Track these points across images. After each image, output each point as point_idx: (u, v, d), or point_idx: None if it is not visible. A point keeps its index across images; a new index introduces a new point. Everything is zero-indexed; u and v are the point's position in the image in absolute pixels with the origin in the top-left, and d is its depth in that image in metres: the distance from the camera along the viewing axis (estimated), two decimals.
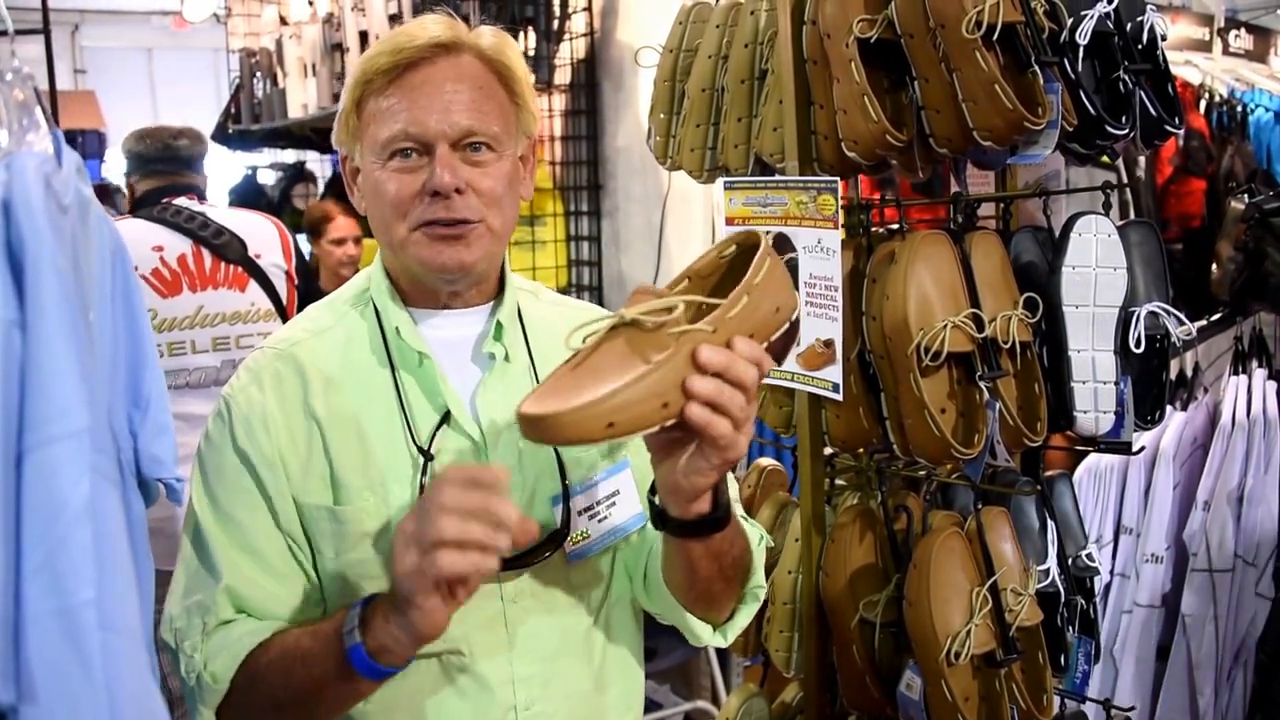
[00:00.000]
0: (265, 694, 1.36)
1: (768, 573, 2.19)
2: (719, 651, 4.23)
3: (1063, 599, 2.14)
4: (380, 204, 1.44)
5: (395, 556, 1.23)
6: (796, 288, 2.02)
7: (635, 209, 4.17)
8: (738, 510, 1.64)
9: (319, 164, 6.93)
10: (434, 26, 1.44)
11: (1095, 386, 1.99)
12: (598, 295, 4.32)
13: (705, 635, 1.59)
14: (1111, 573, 3.10)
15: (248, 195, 6.80)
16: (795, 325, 1.33)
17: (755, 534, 1.62)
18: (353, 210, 5.25)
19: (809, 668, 2.17)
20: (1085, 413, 1.99)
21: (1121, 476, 3.09)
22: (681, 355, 1.20)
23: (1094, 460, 3.12)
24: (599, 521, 1.50)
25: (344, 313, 1.54)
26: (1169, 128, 2.05)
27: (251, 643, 1.37)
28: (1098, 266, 2.00)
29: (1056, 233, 2.04)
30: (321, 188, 6.63)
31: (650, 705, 4.30)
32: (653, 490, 1.38)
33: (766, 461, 2.42)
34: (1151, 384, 2.10)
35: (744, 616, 1.60)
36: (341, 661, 1.28)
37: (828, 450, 2.18)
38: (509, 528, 1.20)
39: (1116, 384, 2.00)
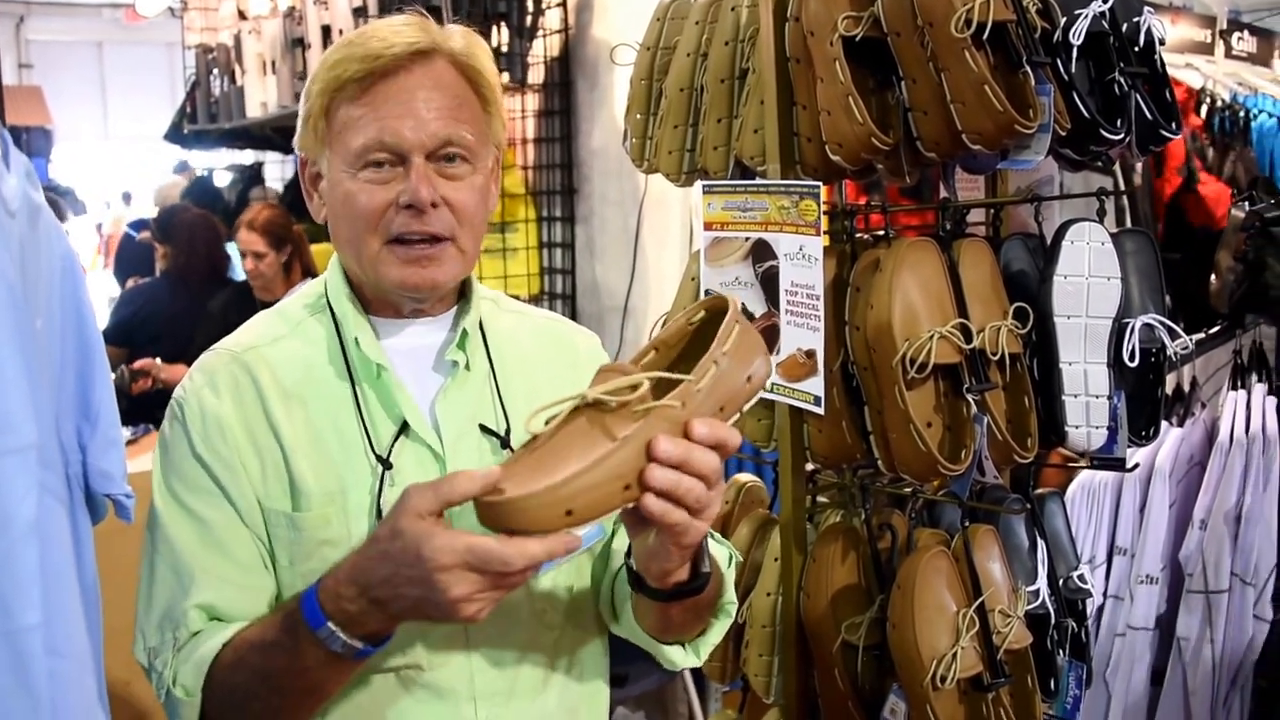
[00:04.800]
0: (234, 694, 1.37)
1: (747, 593, 2.21)
2: (696, 677, 4.22)
3: (1053, 621, 2.16)
4: (350, 215, 1.46)
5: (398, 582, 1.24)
6: (776, 297, 2.04)
7: (611, 214, 4.18)
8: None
9: (279, 165, 6.93)
10: (408, 31, 1.45)
11: (1087, 401, 2.01)
12: (571, 304, 4.33)
13: (677, 657, 1.60)
14: (1105, 594, 3.12)
15: (203, 197, 6.80)
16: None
17: (724, 553, 1.64)
18: (293, 215, 5.14)
19: (789, 692, 2.18)
20: (1077, 428, 2.00)
21: (1115, 495, 3.11)
22: (644, 436, 1.20)
23: (1087, 478, 3.14)
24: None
25: (300, 320, 1.55)
26: (1165, 132, 2.07)
27: (216, 646, 1.38)
28: (1091, 276, 2.01)
29: (1048, 241, 2.06)
30: (281, 190, 6.63)
31: None
32: (629, 553, 1.41)
33: (745, 477, 2.43)
34: (1146, 399, 2.12)
35: (715, 633, 1.61)
36: (306, 641, 1.29)
37: (809, 466, 2.19)
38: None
39: (1110, 398, 2.02)
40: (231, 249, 5.68)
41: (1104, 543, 3.12)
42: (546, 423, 1.22)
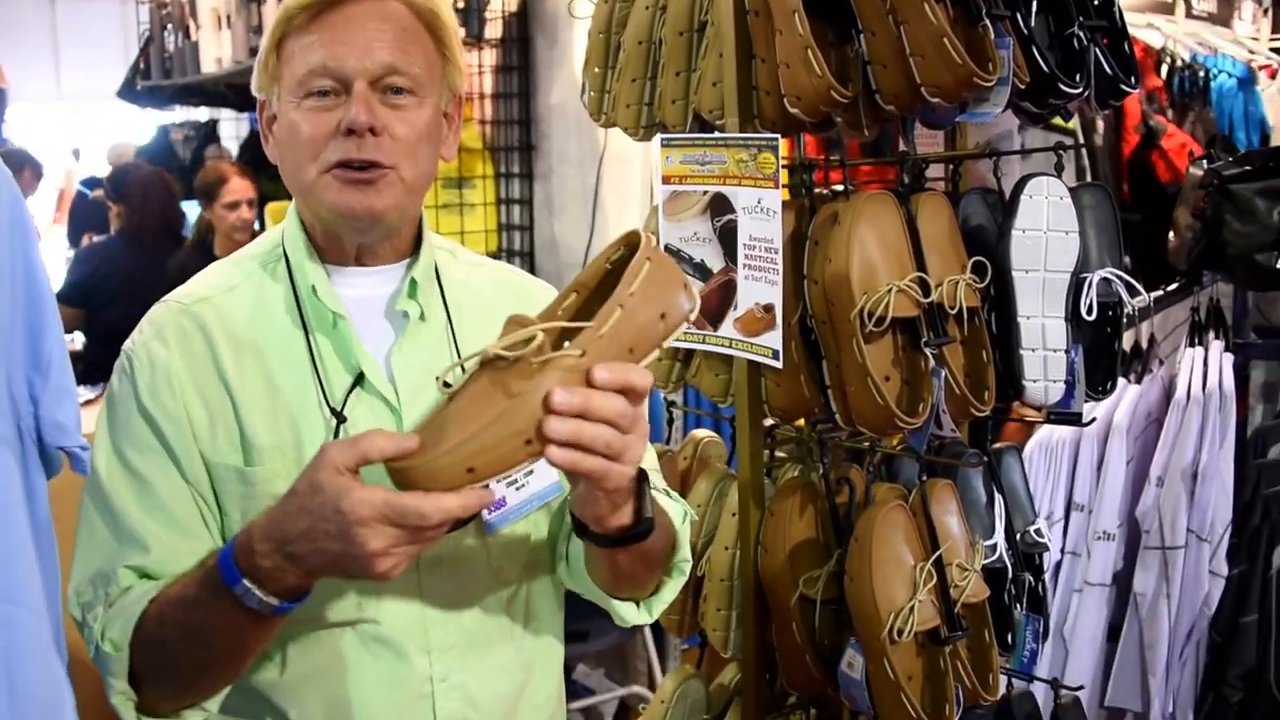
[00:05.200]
0: (160, 651, 1.36)
1: (704, 549, 2.21)
2: (655, 635, 4.24)
3: (1010, 575, 2.17)
4: (293, 144, 1.44)
5: (311, 534, 1.23)
6: (734, 251, 2.03)
7: (570, 171, 4.16)
8: (659, 484, 1.66)
9: (234, 122, 6.85)
10: None
11: (1045, 355, 2.01)
12: (529, 261, 4.31)
13: (629, 614, 1.60)
14: (1062, 551, 3.14)
15: (158, 155, 6.72)
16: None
17: (679, 509, 1.64)
18: (249, 173, 5.21)
19: (747, 647, 2.19)
20: (1034, 382, 2.01)
21: (1073, 452, 3.13)
22: (543, 388, 1.18)
23: (1045, 435, 3.16)
24: (517, 489, 1.50)
25: (252, 270, 1.53)
26: (1125, 86, 2.07)
27: (143, 603, 1.37)
28: (1049, 230, 2.02)
29: (1007, 196, 2.06)
30: (236, 150, 6.56)
31: (584, 691, 4.32)
32: None
33: (703, 433, 2.43)
34: (1104, 353, 2.13)
35: (669, 591, 1.61)
36: (224, 598, 1.29)
37: (768, 421, 2.19)
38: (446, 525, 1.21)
39: (1067, 352, 2.03)
40: (187, 207, 5.63)
41: (1062, 499, 3.14)
42: (448, 385, 1.22)
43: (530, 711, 1.62)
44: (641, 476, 1.35)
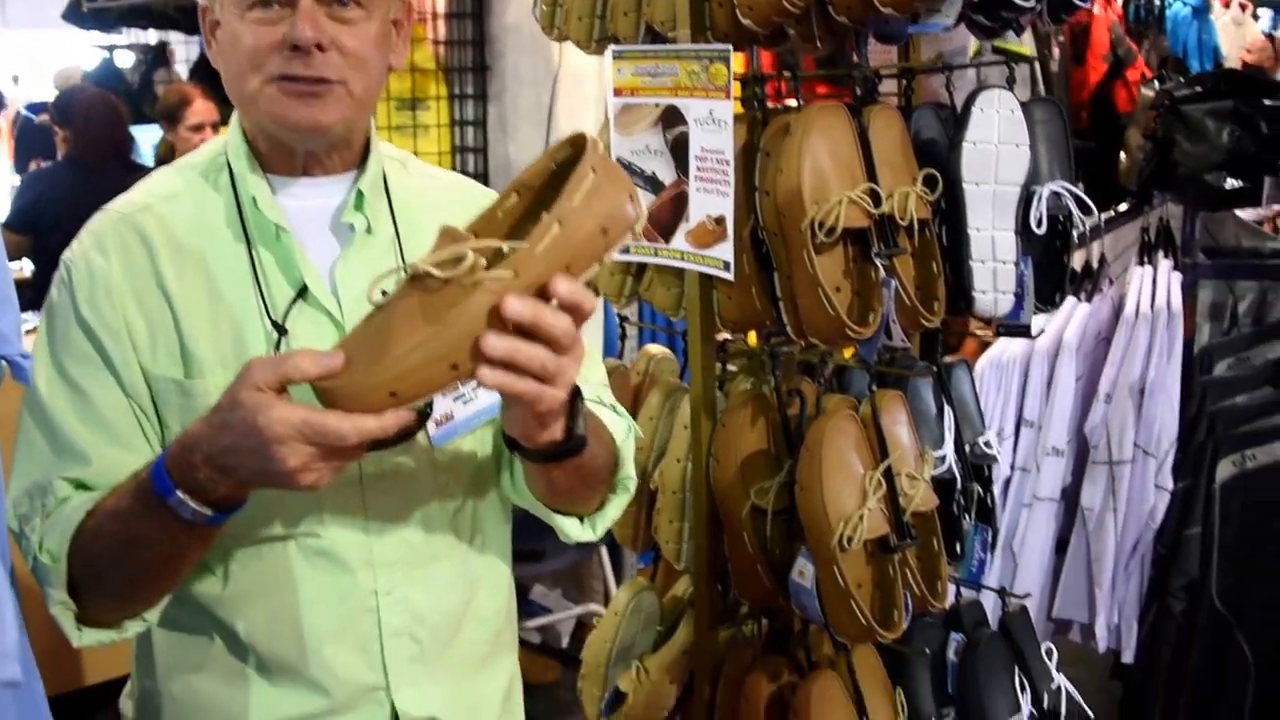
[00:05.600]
0: (97, 562, 1.35)
1: (656, 462, 2.22)
2: (612, 554, 4.28)
3: (959, 486, 2.20)
4: (235, 55, 1.40)
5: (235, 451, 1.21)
6: (686, 164, 2.02)
7: (524, 91, 4.13)
8: (607, 399, 1.66)
9: (183, 45, 6.73)
10: None
11: (995, 266, 2.03)
12: (484, 183, 4.24)
13: (573, 530, 1.59)
14: (1012, 467, 3.18)
15: (105, 80, 6.61)
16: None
17: (623, 424, 1.62)
18: (212, 94, 5.13)
19: (699, 558, 2.21)
20: (984, 293, 2.02)
21: (1024, 370, 3.16)
22: (472, 311, 1.13)
23: (997, 353, 3.18)
24: (464, 403, 1.50)
25: (194, 180, 1.50)
26: (1078, 2, 2.07)
27: (80, 514, 1.36)
28: (1000, 143, 2.02)
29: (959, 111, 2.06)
30: (186, 73, 6.45)
31: (540, 610, 4.36)
32: None
33: (656, 349, 2.43)
34: (1053, 266, 2.14)
35: (614, 508, 1.60)
36: (158, 509, 1.27)
37: (721, 336, 2.20)
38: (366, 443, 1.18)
39: (1016, 265, 2.04)
40: (138, 132, 5.55)
41: (1012, 416, 3.17)
42: (385, 293, 1.18)
43: (477, 625, 1.62)
44: (575, 393, 1.31)
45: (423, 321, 1.13)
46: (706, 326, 2.13)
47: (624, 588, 2.38)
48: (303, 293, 1.44)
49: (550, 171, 1.25)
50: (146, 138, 5.73)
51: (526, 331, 1.15)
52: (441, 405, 1.48)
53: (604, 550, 4.23)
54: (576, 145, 1.22)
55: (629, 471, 1.59)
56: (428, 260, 1.14)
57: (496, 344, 1.13)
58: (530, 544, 3.92)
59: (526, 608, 4.45)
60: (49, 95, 8.16)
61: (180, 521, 1.27)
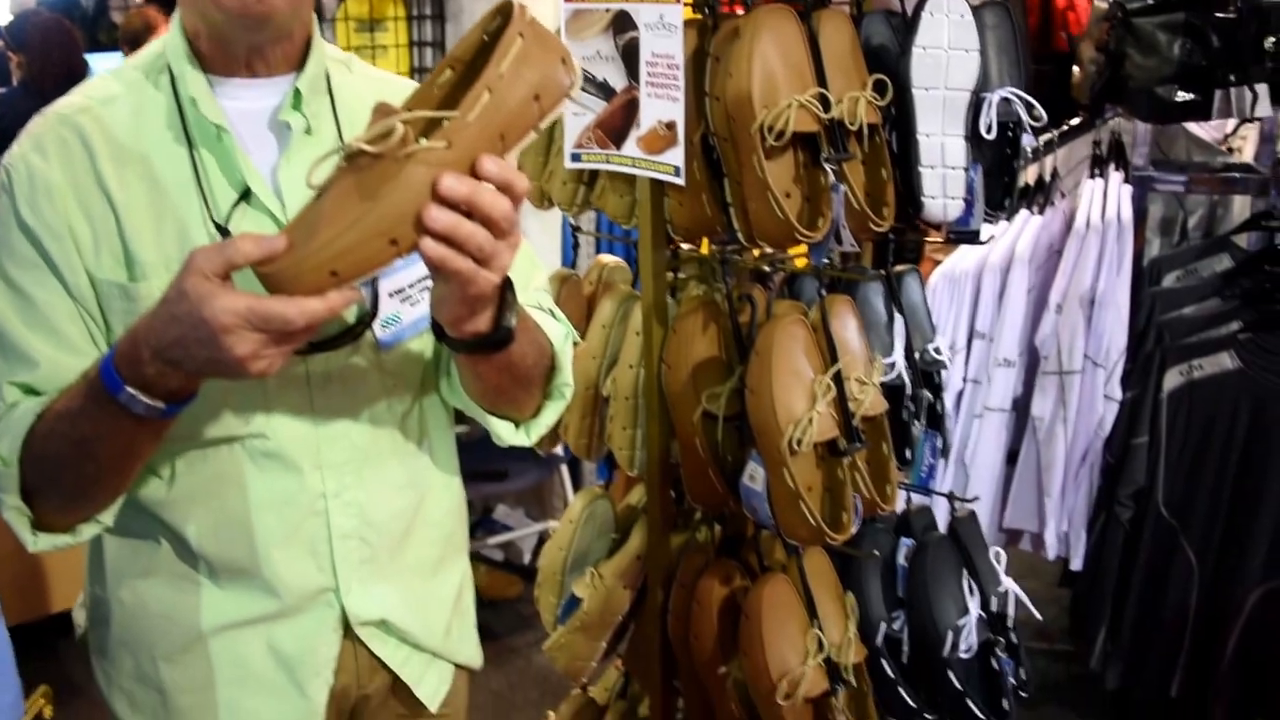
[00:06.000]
0: (49, 464, 1.35)
1: (609, 369, 2.23)
2: (572, 472, 4.31)
3: (909, 393, 2.21)
4: None
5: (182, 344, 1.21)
6: (636, 70, 2.01)
7: (481, 10, 4.04)
8: (546, 304, 1.66)
9: None
10: None
11: (944, 172, 2.03)
12: None
13: (507, 434, 1.60)
14: (964, 379, 3.21)
15: (60, 5, 6.49)
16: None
17: (562, 330, 1.63)
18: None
19: (651, 464, 2.22)
20: (933, 199, 2.03)
21: (976, 282, 3.18)
22: (408, 185, 1.13)
23: (949, 266, 3.20)
24: (411, 305, 1.50)
25: (134, 80, 1.47)
26: None
27: (31, 418, 1.36)
28: (950, 48, 2.01)
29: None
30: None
31: (502, 528, 4.40)
32: None
33: (608, 259, 2.43)
34: (1003, 172, 2.14)
35: (550, 414, 1.62)
36: (109, 406, 1.27)
37: (673, 247, 2.20)
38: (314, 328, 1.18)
39: (966, 170, 2.04)
40: (94, 59, 5.46)
41: (964, 328, 3.20)
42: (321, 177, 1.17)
43: (426, 528, 1.64)
44: (506, 285, 1.31)
45: (358, 198, 1.13)
46: (658, 233, 2.13)
47: (579, 496, 2.39)
48: (246, 195, 1.44)
49: (482, 43, 1.23)
50: (101, 65, 5.63)
51: (465, 212, 1.15)
52: (388, 306, 1.48)
53: (564, 469, 4.26)
54: (505, 13, 1.20)
55: (566, 378, 1.60)
56: (360, 137, 1.13)
57: (439, 216, 1.13)
58: (494, 464, 3.95)
59: (490, 526, 4.49)
60: (3, 20, 8.02)
61: (131, 417, 1.27)
